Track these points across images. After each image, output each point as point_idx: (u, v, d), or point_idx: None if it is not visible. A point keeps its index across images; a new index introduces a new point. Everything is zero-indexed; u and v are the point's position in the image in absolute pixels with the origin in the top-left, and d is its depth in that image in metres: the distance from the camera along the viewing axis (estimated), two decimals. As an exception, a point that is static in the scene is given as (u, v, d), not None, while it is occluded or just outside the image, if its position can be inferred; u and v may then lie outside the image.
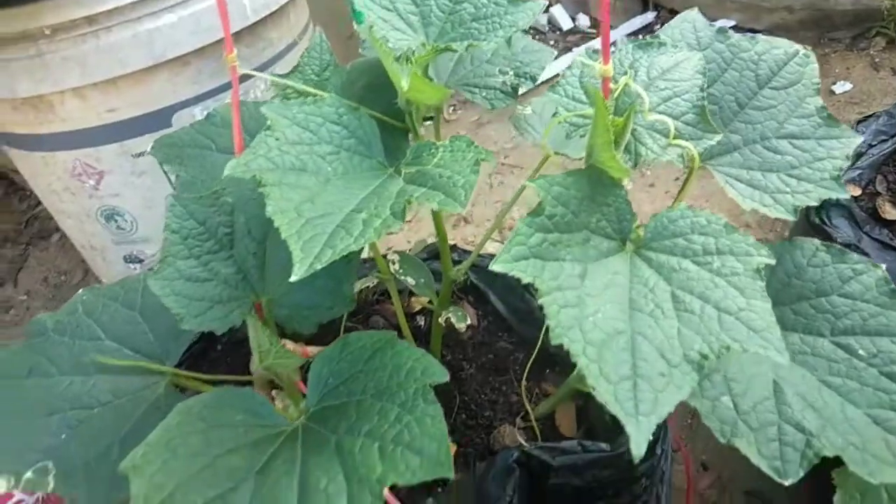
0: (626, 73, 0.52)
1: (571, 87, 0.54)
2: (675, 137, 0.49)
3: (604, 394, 0.38)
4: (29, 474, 0.57)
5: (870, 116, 1.01)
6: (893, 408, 0.47)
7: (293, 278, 0.43)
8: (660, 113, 0.50)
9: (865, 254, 0.82)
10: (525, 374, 0.77)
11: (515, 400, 0.85)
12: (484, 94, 0.71)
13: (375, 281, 0.95)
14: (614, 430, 0.73)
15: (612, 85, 0.48)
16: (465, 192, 0.48)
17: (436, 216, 0.72)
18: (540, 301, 0.41)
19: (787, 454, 0.44)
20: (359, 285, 0.96)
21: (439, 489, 0.77)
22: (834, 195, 0.53)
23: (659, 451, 0.73)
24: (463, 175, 0.50)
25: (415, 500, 0.74)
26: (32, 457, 0.58)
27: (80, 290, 0.68)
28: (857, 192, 0.92)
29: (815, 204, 0.53)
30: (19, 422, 0.59)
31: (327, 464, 0.46)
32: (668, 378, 0.39)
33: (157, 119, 1.10)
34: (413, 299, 1.01)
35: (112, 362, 0.58)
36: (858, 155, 0.96)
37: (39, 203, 2.24)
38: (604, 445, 0.70)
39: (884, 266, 0.53)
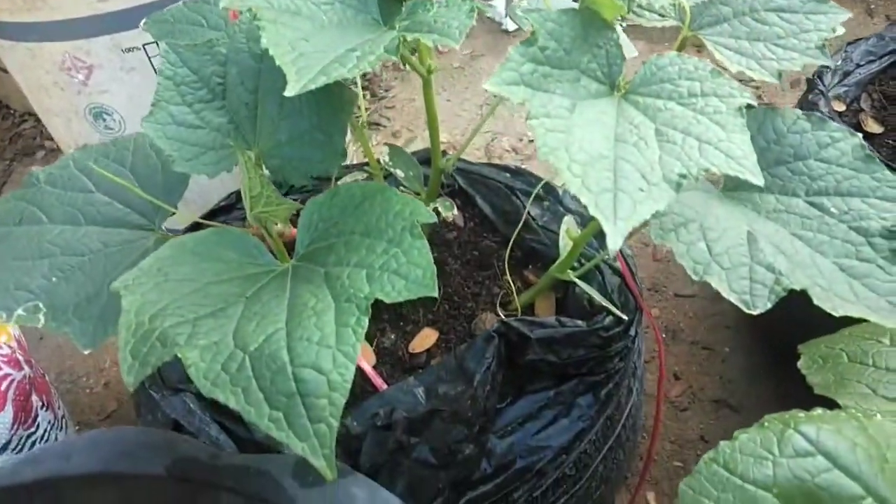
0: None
1: (569, -59, 0.55)
2: (668, -11, 0.50)
3: (585, 201, 0.39)
4: (20, 311, 0.58)
5: (860, 39, 1.02)
6: (858, 257, 0.49)
7: (287, 93, 0.44)
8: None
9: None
10: (507, 258, 0.79)
11: (497, 292, 0.87)
12: (481, -24, 0.70)
13: (364, 176, 0.96)
14: (592, 315, 0.76)
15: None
16: (460, 31, 0.49)
17: (427, 96, 0.72)
18: (528, 122, 0.43)
19: (757, 289, 0.46)
20: (347, 180, 0.97)
21: (420, 370, 0.80)
22: (818, 62, 0.55)
23: (633, 333, 0.75)
24: (458, 19, 0.51)
25: (397, 380, 0.76)
26: (24, 296, 0.59)
27: (73, 150, 0.68)
28: (842, 107, 0.93)
29: (798, 69, 0.54)
30: (11, 265, 0.60)
31: (316, 289, 0.48)
32: (648, 193, 0.40)
33: (150, 12, 1.08)
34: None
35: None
36: (846, 73, 0.97)
37: (24, 121, 2.21)
38: (580, 322, 0.72)
39: (860, 135, 0.55)
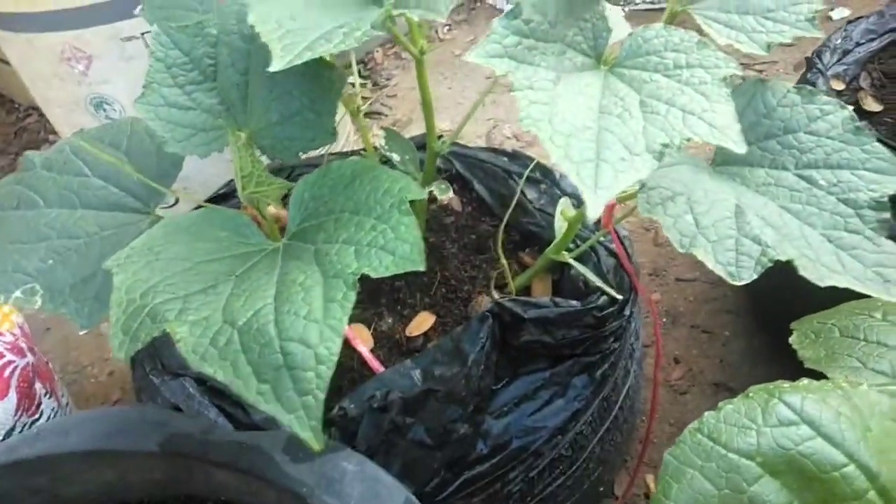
0: None
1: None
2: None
3: (567, 170, 0.39)
4: (18, 293, 0.59)
5: (861, 17, 1.01)
6: (847, 229, 0.49)
7: (272, 69, 0.44)
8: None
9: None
10: (501, 240, 0.79)
11: (494, 275, 0.87)
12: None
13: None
14: (587, 296, 0.76)
15: None
16: (446, 5, 0.49)
17: (420, 78, 0.72)
18: (512, 93, 0.43)
19: (742, 261, 0.46)
20: (345, 164, 0.98)
21: (416, 353, 0.80)
22: (807, 34, 0.54)
23: (627, 313, 0.75)
24: (446, -5, 0.51)
25: (394, 363, 0.77)
26: (21, 278, 0.59)
27: (70, 135, 0.69)
28: (842, 86, 0.93)
29: (788, 41, 0.54)
30: (8, 248, 0.61)
31: (305, 266, 0.48)
32: (630, 163, 0.40)
33: None
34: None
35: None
36: (845, 52, 0.96)
37: (28, 115, 2.22)
38: (574, 302, 0.72)
39: (851, 107, 0.54)
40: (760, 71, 1.58)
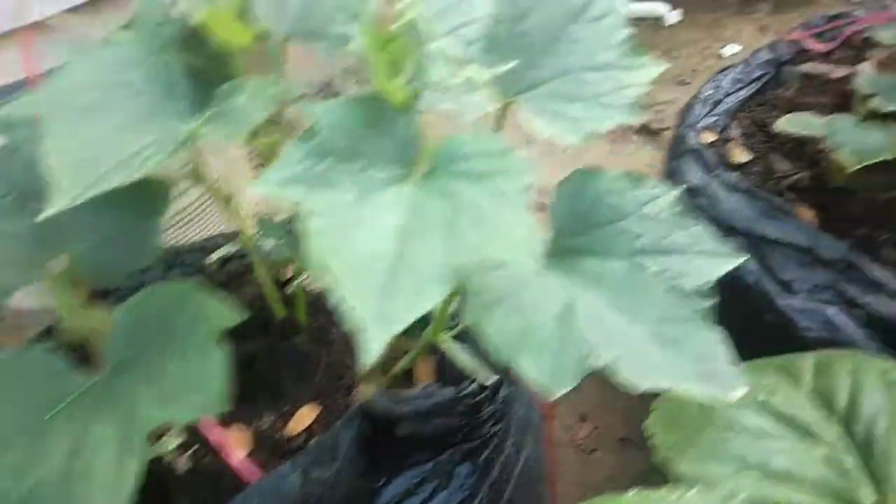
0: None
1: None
2: (466, 63, 0.49)
3: (353, 304, 0.37)
4: None
5: (728, 67, 1.05)
6: (673, 319, 0.48)
7: (52, 209, 0.42)
8: (450, 40, 0.50)
9: (713, 196, 0.85)
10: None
11: (380, 360, 0.84)
12: (326, 45, 0.69)
13: (236, 248, 0.93)
14: (464, 379, 0.74)
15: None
16: (246, 127, 0.47)
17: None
18: (302, 224, 0.41)
19: (564, 368, 0.45)
20: (220, 253, 0.94)
21: (300, 449, 0.76)
22: (628, 121, 0.54)
23: (502, 396, 0.74)
24: (257, 110, 0.49)
25: (276, 465, 0.73)
26: None
27: None
28: (713, 137, 0.94)
29: (610, 128, 0.54)
30: None
31: (107, 413, 0.45)
32: (421, 292, 0.39)
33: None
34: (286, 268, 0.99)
35: None
36: (716, 103, 0.99)
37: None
38: (447, 390, 0.70)
39: (684, 186, 0.55)
40: (659, 111, 1.62)
